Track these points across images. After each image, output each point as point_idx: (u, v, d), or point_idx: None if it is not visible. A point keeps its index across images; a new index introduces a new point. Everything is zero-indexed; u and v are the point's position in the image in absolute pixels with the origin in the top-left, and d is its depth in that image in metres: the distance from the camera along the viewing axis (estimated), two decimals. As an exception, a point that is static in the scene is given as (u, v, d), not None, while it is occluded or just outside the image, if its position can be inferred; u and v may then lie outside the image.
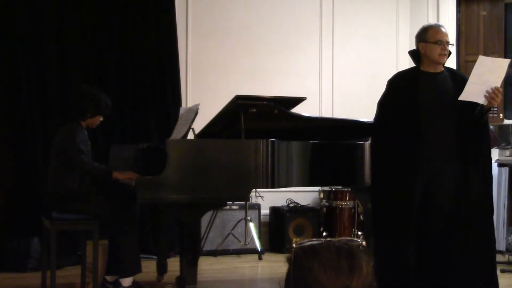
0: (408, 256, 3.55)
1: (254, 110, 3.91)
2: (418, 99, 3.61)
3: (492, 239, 3.73)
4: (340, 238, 1.33)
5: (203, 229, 5.64)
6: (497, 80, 3.49)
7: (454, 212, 3.59)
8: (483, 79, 3.48)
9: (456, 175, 3.61)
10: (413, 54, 3.77)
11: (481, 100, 3.50)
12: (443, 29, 3.69)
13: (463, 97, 3.49)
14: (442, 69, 3.73)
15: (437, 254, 3.56)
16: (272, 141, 3.81)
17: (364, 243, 1.35)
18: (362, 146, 4.18)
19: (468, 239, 3.61)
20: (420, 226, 3.57)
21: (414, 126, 3.58)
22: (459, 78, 3.71)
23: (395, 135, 3.65)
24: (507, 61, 3.57)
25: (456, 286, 3.60)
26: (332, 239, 1.31)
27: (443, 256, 3.56)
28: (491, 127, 6.61)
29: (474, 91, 3.49)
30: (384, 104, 3.80)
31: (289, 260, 1.29)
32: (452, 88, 3.64)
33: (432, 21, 6.61)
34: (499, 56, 6.29)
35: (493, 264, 3.74)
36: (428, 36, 3.65)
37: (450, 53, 3.75)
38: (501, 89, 3.50)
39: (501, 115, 6.39)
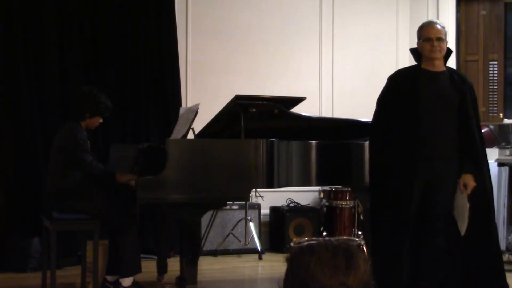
0: (403, 256, 3.52)
1: (254, 110, 3.92)
2: (418, 97, 3.58)
3: (495, 238, 3.70)
4: (339, 237, 1.33)
5: (203, 229, 5.64)
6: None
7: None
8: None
9: (456, 175, 3.59)
10: (414, 51, 3.76)
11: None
12: (435, 26, 3.64)
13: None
14: (444, 68, 3.70)
15: (437, 254, 3.54)
16: (272, 141, 3.81)
17: (363, 242, 1.35)
18: (362, 145, 4.18)
19: (470, 239, 3.59)
20: (420, 226, 3.56)
21: (414, 125, 3.55)
22: (458, 79, 3.69)
23: (394, 133, 3.62)
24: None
25: (461, 286, 3.59)
26: (331, 238, 1.32)
27: (444, 256, 3.55)
28: (491, 126, 6.62)
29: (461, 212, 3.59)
30: (384, 101, 3.77)
31: (287, 259, 1.30)
32: (450, 89, 3.62)
33: (432, 20, 6.62)
34: (499, 55, 6.30)
35: (500, 261, 3.70)
36: (421, 34, 3.66)
37: (450, 51, 3.72)
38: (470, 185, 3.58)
39: (501, 114, 6.39)
